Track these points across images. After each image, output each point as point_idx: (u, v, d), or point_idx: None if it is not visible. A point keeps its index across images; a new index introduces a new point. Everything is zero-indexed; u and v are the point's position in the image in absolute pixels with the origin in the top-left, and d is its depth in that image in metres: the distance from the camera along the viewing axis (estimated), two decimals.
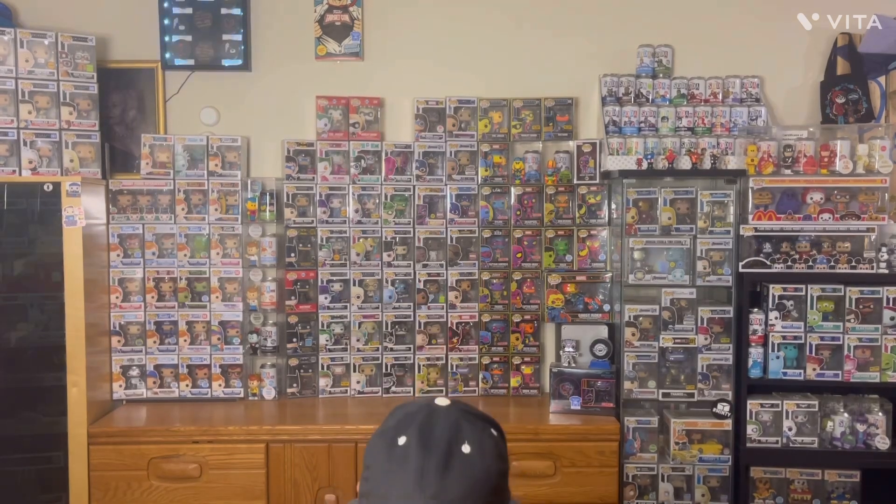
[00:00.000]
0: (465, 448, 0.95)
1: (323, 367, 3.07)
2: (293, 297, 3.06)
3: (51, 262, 2.73)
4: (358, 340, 3.08)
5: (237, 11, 3.06)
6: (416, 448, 0.94)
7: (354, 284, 3.07)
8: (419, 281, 3.07)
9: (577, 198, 3.05)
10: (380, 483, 0.95)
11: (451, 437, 0.95)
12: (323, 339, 3.07)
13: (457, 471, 0.93)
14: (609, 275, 3.02)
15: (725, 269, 2.81)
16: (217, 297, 3.03)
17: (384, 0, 3.14)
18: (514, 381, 3.08)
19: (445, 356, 3.08)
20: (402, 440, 0.95)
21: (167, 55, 3.06)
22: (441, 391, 3.07)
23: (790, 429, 2.78)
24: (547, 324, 3.12)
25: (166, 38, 3.05)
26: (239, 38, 3.07)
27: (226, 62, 3.08)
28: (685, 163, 2.81)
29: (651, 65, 3.06)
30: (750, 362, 2.76)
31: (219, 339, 3.03)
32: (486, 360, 3.08)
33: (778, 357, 2.77)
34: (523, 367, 3.08)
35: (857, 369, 2.75)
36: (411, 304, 3.08)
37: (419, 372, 3.08)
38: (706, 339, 2.82)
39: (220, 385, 3.03)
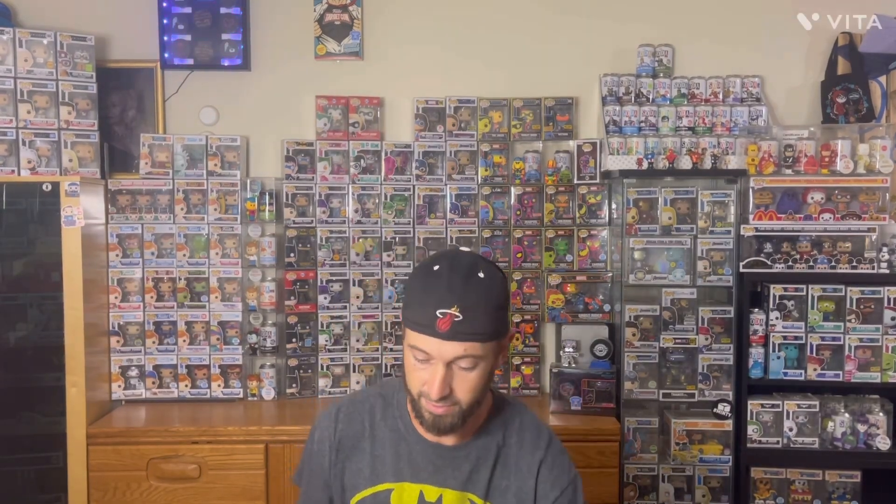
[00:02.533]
0: (481, 274, 1.31)
1: (322, 368, 3.07)
2: (292, 298, 3.05)
3: (49, 262, 2.72)
4: (358, 341, 3.07)
5: (236, 11, 3.05)
6: (447, 270, 1.30)
7: (354, 284, 3.06)
8: None
9: (577, 198, 3.05)
10: (420, 296, 1.31)
11: (471, 266, 1.32)
12: (322, 339, 3.06)
13: (473, 285, 1.29)
14: (609, 275, 3.01)
15: (726, 269, 2.81)
16: (216, 298, 3.02)
17: None
18: (515, 382, 3.08)
19: None
20: (436, 267, 1.32)
21: (166, 55, 3.05)
22: None
23: (791, 429, 2.78)
24: (547, 324, 3.11)
25: (165, 38, 3.05)
26: (238, 37, 3.06)
27: (225, 62, 3.07)
28: (686, 162, 2.80)
29: (651, 64, 3.06)
30: (750, 362, 2.76)
31: (218, 339, 3.02)
32: None
33: (779, 357, 2.76)
34: (523, 367, 3.07)
35: (857, 370, 2.74)
36: None
37: None
38: (707, 339, 2.81)
39: (219, 385, 3.02)
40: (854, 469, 2.83)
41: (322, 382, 3.06)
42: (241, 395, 3.03)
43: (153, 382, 3.01)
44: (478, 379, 1.32)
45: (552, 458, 1.44)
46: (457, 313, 1.26)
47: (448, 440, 1.41)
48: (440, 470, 1.40)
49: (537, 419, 1.50)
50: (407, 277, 3.07)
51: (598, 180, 3.03)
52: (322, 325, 3.06)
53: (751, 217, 2.75)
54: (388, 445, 1.43)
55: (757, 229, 2.75)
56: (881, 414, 2.76)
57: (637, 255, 2.85)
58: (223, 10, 3.05)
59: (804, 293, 2.75)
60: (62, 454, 2.69)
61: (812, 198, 2.75)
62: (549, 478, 1.42)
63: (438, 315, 1.26)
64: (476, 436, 1.43)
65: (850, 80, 3.00)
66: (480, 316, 1.28)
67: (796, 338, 2.76)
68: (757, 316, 2.76)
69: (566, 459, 1.46)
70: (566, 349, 2.91)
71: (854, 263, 2.74)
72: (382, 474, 1.42)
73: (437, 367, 1.29)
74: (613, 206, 3.01)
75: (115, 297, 2.98)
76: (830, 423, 2.78)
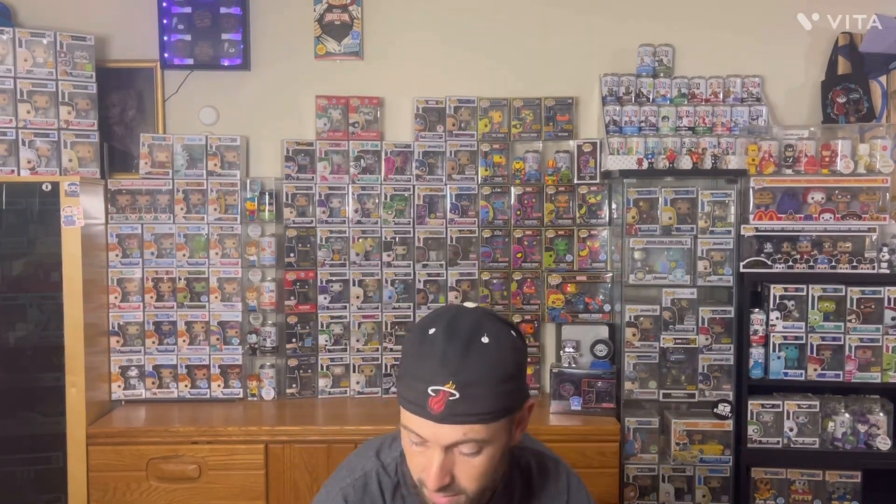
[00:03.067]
0: (485, 339, 1.11)
1: (322, 368, 3.06)
2: (292, 298, 3.05)
3: (49, 262, 2.72)
4: (357, 341, 3.07)
5: (236, 11, 3.05)
6: (442, 336, 1.10)
7: (354, 284, 3.06)
8: (419, 281, 3.06)
9: (577, 197, 3.05)
10: (412, 366, 1.12)
11: (472, 329, 1.11)
12: (322, 339, 3.06)
13: (475, 355, 1.09)
14: (609, 275, 3.01)
15: (726, 269, 2.80)
16: (216, 298, 3.02)
17: None
18: None
19: None
20: (431, 331, 1.12)
21: (166, 55, 3.05)
22: None
23: (791, 429, 2.77)
24: (547, 324, 3.11)
25: (165, 38, 3.04)
26: (238, 37, 3.06)
27: (225, 61, 3.07)
28: (686, 162, 2.80)
29: (652, 64, 3.05)
30: (751, 363, 2.76)
31: (218, 339, 3.02)
32: None
33: (779, 357, 2.76)
34: None
35: (858, 370, 2.74)
36: (411, 304, 3.07)
37: None
38: (707, 339, 2.81)
39: (219, 385, 3.02)
40: (854, 469, 2.83)
41: (322, 382, 3.06)
42: (240, 396, 3.03)
43: (153, 382, 3.00)
44: (485, 464, 1.12)
45: (574, 499, 1.36)
46: (453, 391, 1.07)
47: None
48: None
49: (551, 456, 1.39)
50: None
51: (598, 180, 3.03)
52: (322, 326, 3.06)
53: (751, 217, 2.75)
54: None
55: (757, 229, 2.75)
56: (881, 414, 2.76)
57: (637, 255, 2.85)
58: (223, 10, 3.05)
59: (804, 293, 2.75)
60: (62, 454, 2.69)
61: (812, 198, 2.75)
62: None
63: (430, 393, 1.07)
64: (496, 498, 1.26)
65: (850, 80, 3.00)
66: (483, 393, 1.08)
67: (796, 338, 2.76)
68: (757, 316, 2.76)
69: (584, 492, 1.38)
70: (566, 349, 2.91)
71: (854, 263, 2.74)
72: None
73: (434, 452, 1.10)
74: (613, 206, 3.01)
75: (115, 297, 2.98)
76: (831, 424, 2.78)
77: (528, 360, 3.00)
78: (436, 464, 1.10)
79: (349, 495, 1.25)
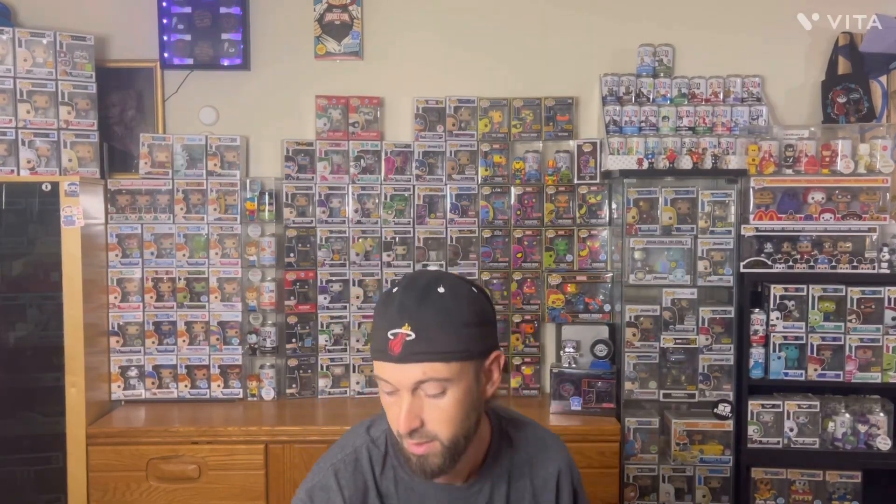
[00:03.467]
0: (441, 289, 1.19)
1: (322, 368, 3.06)
2: (292, 298, 3.05)
3: (49, 262, 2.72)
4: (357, 341, 3.07)
5: (236, 10, 3.05)
6: (401, 290, 1.20)
7: (354, 284, 3.06)
8: None
9: (577, 197, 3.05)
10: (377, 321, 1.21)
11: (429, 282, 1.20)
12: (322, 339, 3.06)
13: (429, 302, 1.17)
14: (609, 275, 3.01)
15: (726, 269, 2.80)
16: (216, 298, 3.02)
17: None
18: (515, 382, 3.07)
19: None
20: (394, 290, 1.21)
21: (166, 54, 3.05)
22: None
23: (791, 429, 2.77)
24: (547, 324, 3.11)
25: (165, 38, 3.04)
26: (238, 37, 3.06)
27: (225, 61, 3.07)
28: (686, 162, 2.80)
29: (652, 64, 3.05)
30: (751, 363, 2.75)
31: (218, 339, 3.02)
32: None
33: (779, 357, 2.76)
34: (523, 367, 3.07)
35: (858, 370, 2.74)
36: None
37: None
38: (707, 339, 2.81)
39: (219, 386, 3.02)
40: (855, 469, 2.82)
41: (322, 383, 3.06)
42: (240, 396, 3.03)
43: (153, 383, 3.00)
44: (451, 407, 1.18)
45: (567, 465, 1.40)
46: (408, 332, 1.15)
47: (457, 479, 1.30)
48: None
49: (539, 428, 1.44)
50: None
51: (598, 180, 3.03)
52: (322, 326, 3.06)
53: (751, 217, 2.74)
54: (396, 500, 1.29)
55: (757, 229, 2.75)
56: (882, 414, 2.76)
57: (637, 255, 2.85)
58: (223, 10, 3.05)
59: (805, 293, 2.75)
60: (62, 454, 2.68)
61: (812, 198, 2.75)
62: (568, 483, 1.39)
63: (390, 337, 1.16)
64: (485, 467, 1.32)
65: (850, 80, 2.99)
66: (438, 333, 1.15)
67: (797, 338, 2.76)
68: (757, 316, 2.76)
69: (570, 456, 1.44)
70: (566, 349, 2.91)
71: (854, 263, 2.73)
72: None
73: (403, 396, 1.17)
74: (614, 206, 3.01)
75: (115, 298, 2.98)
76: (831, 424, 2.78)
77: (529, 360, 3.06)
78: (404, 406, 1.16)
79: (339, 470, 1.29)
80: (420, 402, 1.17)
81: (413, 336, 1.15)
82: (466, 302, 1.20)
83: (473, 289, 1.24)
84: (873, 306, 2.73)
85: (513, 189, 3.06)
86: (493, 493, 1.32)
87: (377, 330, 1.20)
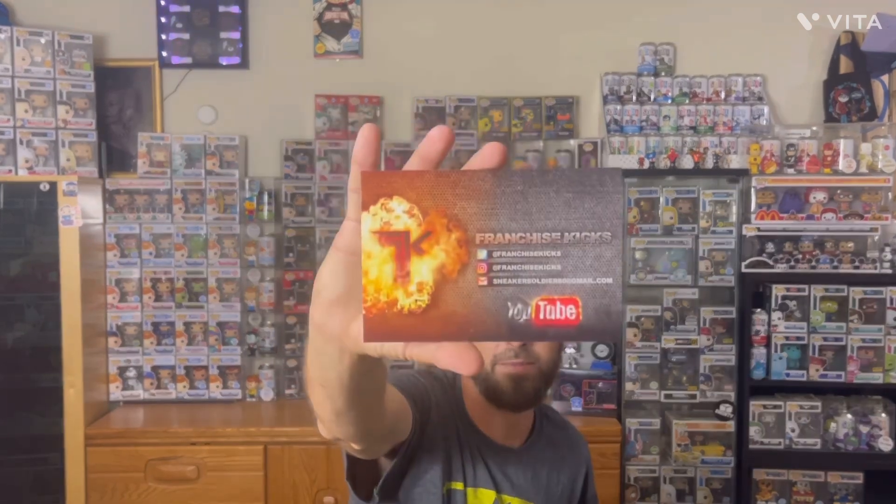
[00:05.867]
0: None
1: None
2: (291, 298, 3.03)
3: (47, 262, 2.71)
4: None
5: (235, 9, 3.04)
6: None
7: None
8: None
9: None
10: None
11: None
12: None
13: None
14: None
15: (728, 269, 2.79)
16: (215, 298, 3.00)
17: None
18: None
19: None
20: None
21: (164, 53, 3.04)
22: None
23: (793, 430, 2.76)
24: None
25: (164, 37, 3.03)
26: (237, 36, 3.05)
27: (224, 60, 3.06)
28: (687, 162, 2.79)
29: (653, 63, 3.04)
30: (752, 363, 2.74)
31: (216, 339, 3.01)
32: None
33: (781, 358, 2.75)
34: None
35: (860, 370, 2.72)
36: None
37: None
38: (708, 339, 2.80)
39: (217, 386, 3.01)
40: (856, 470, 2.81)
41: None
42: (239, 397, 3.02)
43: (151, 383, 2.99)
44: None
45: (588, 459, 1.46)
46: None
47: (514, 440, 1.32)
48: (508, 476, 1.30)
49: (559, 415, 1.50)
50: None
51: None
52: None
53: (753, 217, 2.73)
54: (455, 443, 1.27)
55: (759, 229, 2.74)
56: (884, 415, 2.75)
57: (638, 255, 2.84)
58: (222, 9, 3.03)
59: (806, 293, 2.73)
60: (60, 455, 2.67)
61: (814, 197, 2.73)
62: (589, 472, 1.46)
63: None
64: (535, 432, 1.37)
65: (852, 79, 2.98)
66: None
67: (798, 338, 2.74)
68: (759, 316, 2.75)
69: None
70: (567, 350, 2.90)
71: (856, 263, 2.72)
72: (455, 472, 1.26)
73: None
74: None
75: (113, 298, 2.96)
76: (833, 425, 2.77)
77: None
78: None
79: (427, 381, 1.29)
80: None
81: None
82: None
83: None
84: (875, 306, 2.72)
85: None
86: (546, 456, 1.37)
87: None
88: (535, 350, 1.25)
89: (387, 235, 0.50)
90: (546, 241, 0.50)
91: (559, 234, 0.50)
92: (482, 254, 0.50)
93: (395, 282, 0.50)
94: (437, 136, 0.52)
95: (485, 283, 0.50)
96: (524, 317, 0.50)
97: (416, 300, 0.50)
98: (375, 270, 0.50)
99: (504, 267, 0.50)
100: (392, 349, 0.53)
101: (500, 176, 0.50)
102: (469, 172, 0.50)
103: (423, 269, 0.50)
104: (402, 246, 0.50)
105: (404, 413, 1.07)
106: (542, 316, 0.50)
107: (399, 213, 0.50)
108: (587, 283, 0.50)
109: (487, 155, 0.52)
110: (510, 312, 0.50)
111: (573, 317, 0.50)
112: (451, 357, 0.50)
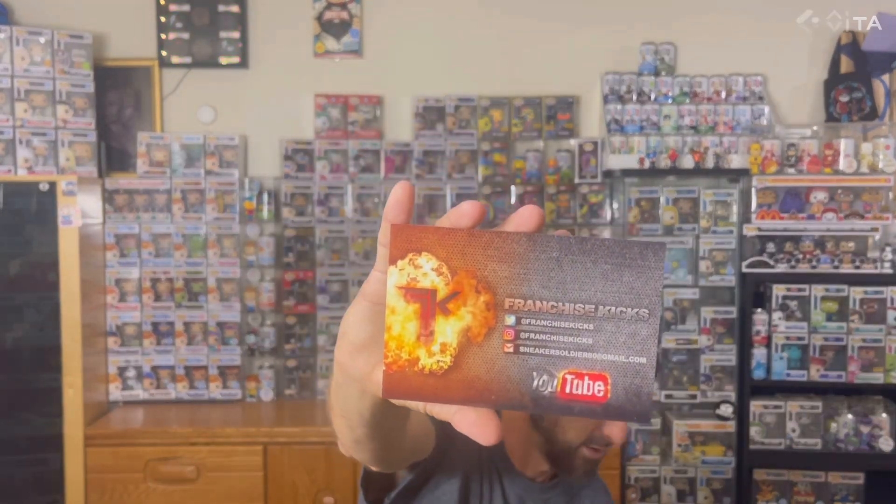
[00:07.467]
0: None
1: (321, 369, 3.04)
2: (291, 298, 3.03)
3: (46, 261, 2.70)
4: None
5: (235, 9, 3.03)
6: None
7: (353, 284, 3.04)
8: None
9: (578, 197, 3.03)
10: None
11: None
12: (321, 339, 3.04)
13: None
14: None
15: (728, 269, 2.79)
16: (214, 298, 3.00)
17: None
18: None
19: None
20: None
21: (164, 53, 3.03)
22: None
23: (793, 430, 2.76)
24: None
25: (163, 36, 3.02)
26: (237, 35, 3.04)
27: (223, 60, 3.05)
28: (688, 162, 2.78)
29: (653, 62, 3.03)
30: (753, 363, 2.74)
31: (216, 339, 3.00)
32: None
33: (781, 358, 2.74)
34: None
35: (861, 370, 2.72)
36: None
37: None
38: (709, 339, 2.80)
39: (217, 386, 3.00)
40: (857, 471, 2.81)
41: (321, 383, 3.04)
42: (239, 397, 3.01)
43: (151, 383, 2.98)
44: None
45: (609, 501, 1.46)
46: None
47: (540, 476, 1.30)
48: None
49: None
50: None
51: (599, 179, 3.01)
52: (321, 326, 3.04)
53: (753, 216, 2.73)
54: (476, 466, 1.24)
55: (759, 229, 2.73)
56: (884, 415, 2.75)
57: None
58: (222, 8, 3.03)
59: (807, 293, 2.73)
60: (59, 456, 2.67)
61: (815, 197, 2.73)
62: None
63: None
64: (560, 476, 1.33)
65: (853, 79, 2.98)
66: None
67: (799, 338, 2.74)
68: (759, 316, 2.74)
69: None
70: None
71: (857, 263, 2.72)
72: (472, 497, 1.23)
73: None
74: (615, 205, 2.99)
75: (113, 298, 2.96)
76: (833, 425, 2.76)
77: None
78: None
79: None
80: None
81: None
82: None
83: None
84: (876, 306, 2.71)
85: (513, 188, 3.04)
86: (564, 501, 1.36)
87: None
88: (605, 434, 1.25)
89: (413, 292, 0.49)
90: (579, 312, 0.48)
91: (593, 306, 0.48)
92: (510, 319, 0.48)
93: (417, 340, 0.49)
94: (467, 211, 0.50)
95: (511, 349, 0.48)
96: (549, 389, 0.48)
97: (439, 361, 0.49)
98: (398, 327, 0.49)
99: (532, 335, 0.48)
100: (413, 402, 0.52)
101: (535, 240, 0.48)
102: (503, 234, 0.48)
103: (448, 330, 0.49)
104: (428, 304, 0.49)
105: (428, 436, 1.04)
106: (568, 390, 0.48)
107: (427, 271, 0.49)
108: (619, 361, 0.48)
109: (525, 217, 0.50)
110: (535, 383, 0.48)
111: (601, 394, 0.48)
112: (470, 424, 0.49)
